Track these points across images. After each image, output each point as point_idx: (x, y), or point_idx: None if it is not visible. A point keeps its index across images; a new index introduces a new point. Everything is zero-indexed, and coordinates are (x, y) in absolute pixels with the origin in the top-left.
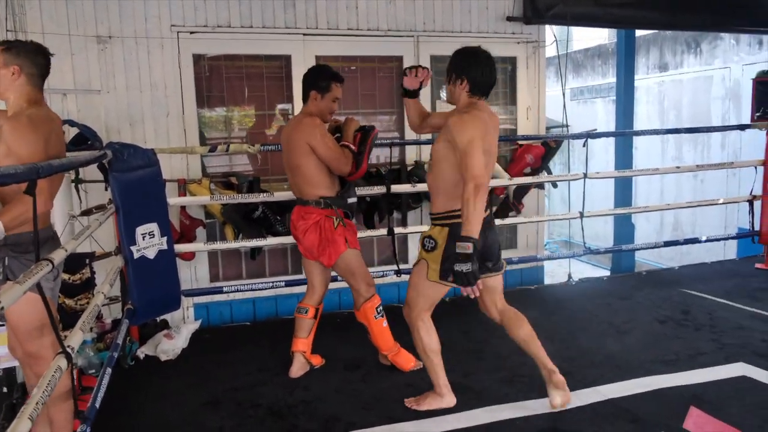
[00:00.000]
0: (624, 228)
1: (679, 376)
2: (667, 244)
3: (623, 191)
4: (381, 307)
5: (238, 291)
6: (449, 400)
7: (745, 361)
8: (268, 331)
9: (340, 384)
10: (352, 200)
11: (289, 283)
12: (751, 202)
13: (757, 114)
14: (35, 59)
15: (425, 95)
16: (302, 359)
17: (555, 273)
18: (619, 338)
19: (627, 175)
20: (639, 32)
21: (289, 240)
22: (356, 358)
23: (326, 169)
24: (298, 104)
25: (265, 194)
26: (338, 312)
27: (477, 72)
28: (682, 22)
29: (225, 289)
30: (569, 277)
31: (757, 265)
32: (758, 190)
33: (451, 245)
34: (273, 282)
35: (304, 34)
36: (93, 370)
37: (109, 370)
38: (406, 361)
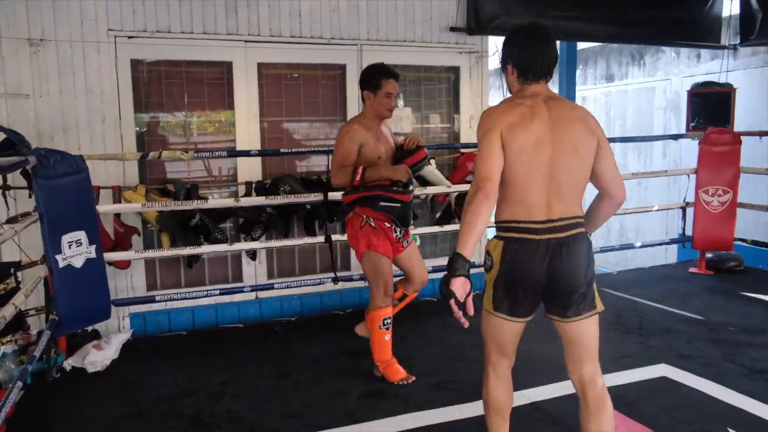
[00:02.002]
0: None
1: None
2: (603, 250)
3: None
4: (389, 320)
5: (171, 300)
6: None
7: (667, 362)
8: (204, 341)
9: (270, 392)
10: (384, 204)
11: (224, 292)
12: (684, 209)
13: (692, 124)
14: None
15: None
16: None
17: None
18: (547, 342)
19: None
20: (588, 44)
21: (225, 248)
22: (288, 365)
23: None
24: (239, 111)
25: (198, 201)
26: (280, 319)
27: (519, 51)
28: (626, 35)
29: (158, 298)
30: None
31: (691, 270)
32: (691, 197)
33: (505, 265)
34: (207, 290)
35: (246, 41)
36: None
37: (19, 384)
38: (394, 373)
